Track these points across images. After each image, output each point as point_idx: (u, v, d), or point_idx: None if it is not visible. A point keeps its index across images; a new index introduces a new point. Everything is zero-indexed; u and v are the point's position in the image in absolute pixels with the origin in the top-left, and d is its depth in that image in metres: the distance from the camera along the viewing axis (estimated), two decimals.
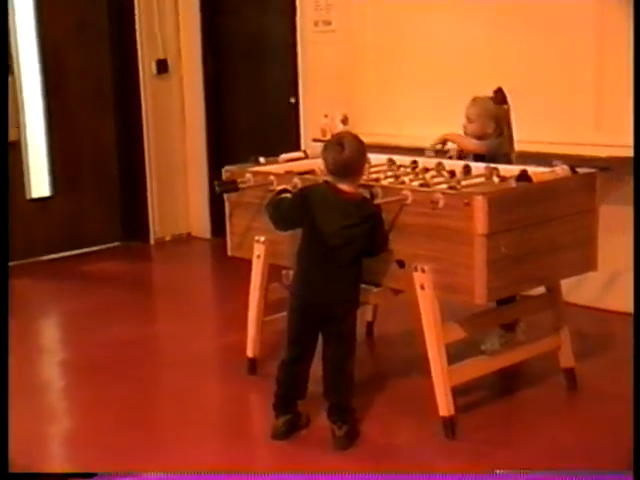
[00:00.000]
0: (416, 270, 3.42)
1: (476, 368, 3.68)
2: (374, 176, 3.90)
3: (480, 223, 3.24)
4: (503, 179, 3.65)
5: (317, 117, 6.04)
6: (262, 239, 4.03)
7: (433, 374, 3.48)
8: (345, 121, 5.87)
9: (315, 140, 5.76)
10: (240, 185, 4.00)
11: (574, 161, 3.84)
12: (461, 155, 4.21)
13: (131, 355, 4.63)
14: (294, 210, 3.48)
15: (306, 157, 4.39)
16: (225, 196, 4.18)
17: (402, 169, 4.09)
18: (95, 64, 6.83)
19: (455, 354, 3.58)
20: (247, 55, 6.77)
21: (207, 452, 3.48)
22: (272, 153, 4.38)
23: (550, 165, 3.72)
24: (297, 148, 5.54)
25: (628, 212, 4.39)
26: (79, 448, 3.62)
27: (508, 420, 3.78)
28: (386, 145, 4.82)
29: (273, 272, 4.11)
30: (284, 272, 4.04)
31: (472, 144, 4.17)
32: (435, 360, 3.47)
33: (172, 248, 7.14)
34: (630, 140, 4.35)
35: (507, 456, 3.38)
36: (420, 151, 4.33)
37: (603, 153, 4.54)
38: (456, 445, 3.47)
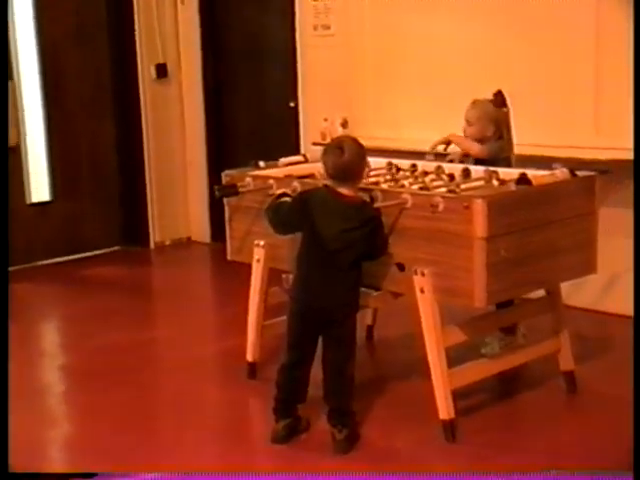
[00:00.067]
0: (416, 273, 3.42)
1: (476, 371, 3.68)
2: (374, 180, 3.90)
3: (480, 226, 3.24)
4: (503, 182, 3.65)
5: (317, 121, 6.04)
6: (262, 243, 4.03)
7: (433, 377, 3.48)
8: (345, 125, 5.87)
9: (315, 144, 5.75)
10: (240, 189, 4.00)
11: (574, 164, 3.83)
12: (463, 159, 4.21)
13: (131, 359, 4.62)
14: (294, 214, 3.48)
15: (306, 161, 4.40)
16: (225, 200, 4.18)
17: (402, 173, 4.09)
18: (94, 69, 6.84)
19: (455, 357, 3.58)
20: (246, 59, 6.77)
21: (207, 456, 3.48)
22: (272, 157, 4.38)
23: (550, 168, 3.72)
24: (297, 152, 5.53)
25: (628, 215, 4.40)
26: (79, 452, 3.62)
27: (508, 423, 3.78)
28: (386, 149, 4.82)
29: (273, 276, 4.10)
30: (284, 276, 4.05)
31: (475, 148, 4.16)
32: (435, 363, 3.47)
33: (172, 252, 7.13)
34: (630, 143, 4.36)
35: (507, 459, 3.37)
36: (420, 154, 4.34)
37: (603, 156, 4.54)
38: (456, 448, 3.47)
